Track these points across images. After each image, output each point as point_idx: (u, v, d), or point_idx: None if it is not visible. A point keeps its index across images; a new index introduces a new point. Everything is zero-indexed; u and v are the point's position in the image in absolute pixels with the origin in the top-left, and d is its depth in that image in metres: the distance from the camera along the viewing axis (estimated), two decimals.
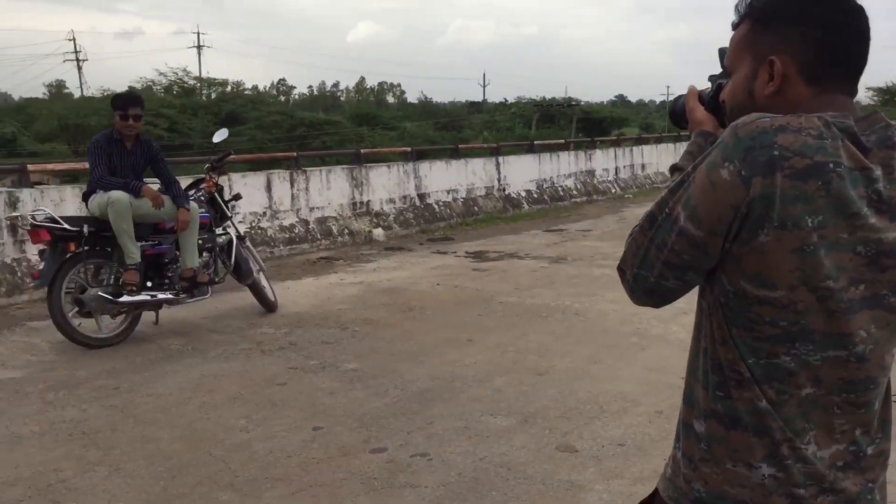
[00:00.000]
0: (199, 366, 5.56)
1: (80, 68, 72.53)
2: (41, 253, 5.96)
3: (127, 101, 6.10)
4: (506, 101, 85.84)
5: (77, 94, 76.79)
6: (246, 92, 71.38)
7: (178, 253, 6.38)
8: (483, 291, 7.82)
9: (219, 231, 6.83)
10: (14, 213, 5.75)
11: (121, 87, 73.13)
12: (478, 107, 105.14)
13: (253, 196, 9.57)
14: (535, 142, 14.95)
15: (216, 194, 6.85)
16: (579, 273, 8.66)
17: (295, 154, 10.31)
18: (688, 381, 1.46)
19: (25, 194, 7.61)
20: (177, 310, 6.70)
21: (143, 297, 6.08)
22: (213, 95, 66.06)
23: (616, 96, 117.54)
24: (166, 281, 6.33)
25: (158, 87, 66.74)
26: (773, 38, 1.36)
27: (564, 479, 3.75)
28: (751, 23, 1.40)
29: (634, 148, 17.51)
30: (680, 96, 1.68)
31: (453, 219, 12.41)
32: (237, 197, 7.20)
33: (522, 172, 14.10)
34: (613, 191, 16.60)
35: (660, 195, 1.41)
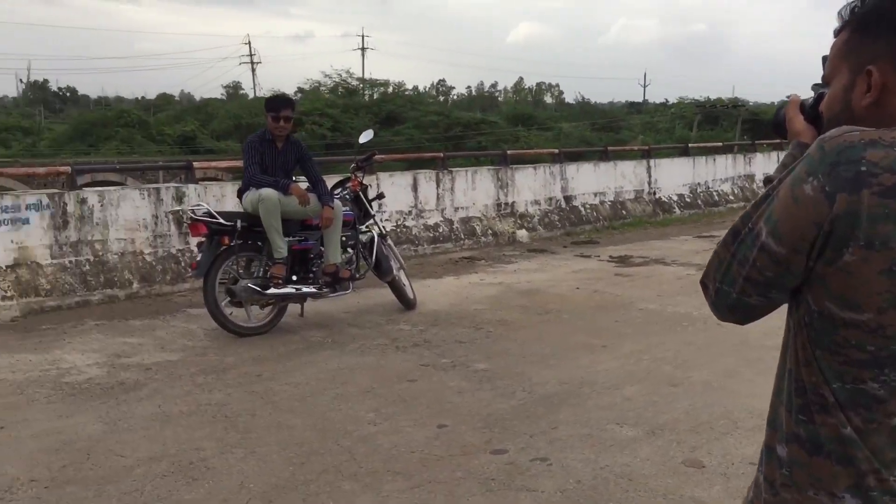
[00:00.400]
0: (337, 358, 5.77)
1: (253, 70, 76.81)
2: (199, 245, 6.37)
3: (279, 104, 6.42)
4: (667, 101, 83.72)
5: (251, 95, 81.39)
6: (406, 92, 73.33)
7: (322, 249, 6.65)
8: (623, 297, 7.68)
9: (362, 228, 7.06)
10: (177, 208, 6.20)
11: (290, 89, 76.30)
12: (637, 107, 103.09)
13: (399, 195, 9.82)
14: (690, 144, 14.49)
15: (360, 193, 7.08)
16: None
17: (442, 154, 10.48)
18: (773, 402, 1.40)
19: (191, 190, 8.15)
20: (321, 303, 6.97)
21: (289, 289, 6.38)
22: (375, 96, 68.19)
23: (788, 97, 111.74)
24: (311, 275, 6.60)
25: (324, 88, 69.66)
26: (871, 47, 1.29)
27: (688, 495, 3.64)
28: (850, 31, 1.33)
29: None
30: (783, 104, 1.61)
31: (599, 222, 12.24)
32: (380, 196, 7.41)
33: (675, 176, 13.72)
34: None
35: (745, 209, 1.36)
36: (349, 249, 6.85)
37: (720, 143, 15.21)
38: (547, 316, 6.98)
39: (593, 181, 12.34)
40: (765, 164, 15.75)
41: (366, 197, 7.14)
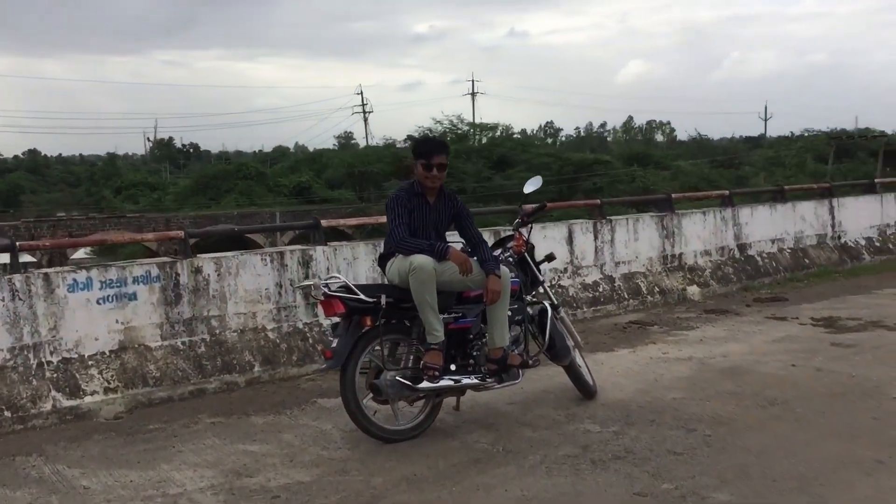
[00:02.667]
0: (517, 479, 4.35)
1: (366, 120, 77.68)
2: (333, 327, 5.11)
3: (431, 148, 5.14)
4: (792, 134, 79.77)
5: (362, 144, 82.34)
6: (514, 135, 72.33)
7: (483, 327, 5.29)
8: (860, 378, 5.98)
9: (529, 298, 5.68)
10: (307, 282, 4.99)
11: (400, 136, 77.05)
12: (755, 142, 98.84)
13: (553, 249, 8.37)
14: (877, 180, 12.54)
15: (527, 255, 5.71)
16: None
17: (599, 201, 9.02)
18: None
19: (318, 252, 6.97)
20: (481, 392, 5.59)
21: (446, 382, 5.03)
22: (484, 140, 67.48)
23: None
24: (471, 362, 5.24)
25: (433, 134, 69.53)
26: None
27: None
28: None
29: None
30: None
31: (779, 273, 10.47)
32: (550, 258, 6.01)
33: (860, 217, 11.80)
34: None
35: None
36: (515, 326, 5.45)
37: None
38: (773, 409, 5.37)
39: (769, 226, 10.61)
40: None
41: (533, 259, 5.75)
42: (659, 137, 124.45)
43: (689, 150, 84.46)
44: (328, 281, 5.05)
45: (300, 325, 6.84)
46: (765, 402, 5.51)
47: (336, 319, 5.07)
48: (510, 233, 5.83)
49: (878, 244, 11.99)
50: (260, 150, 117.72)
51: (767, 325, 8.08)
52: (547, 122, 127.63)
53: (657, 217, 9.43)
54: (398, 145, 72.46)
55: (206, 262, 6.45)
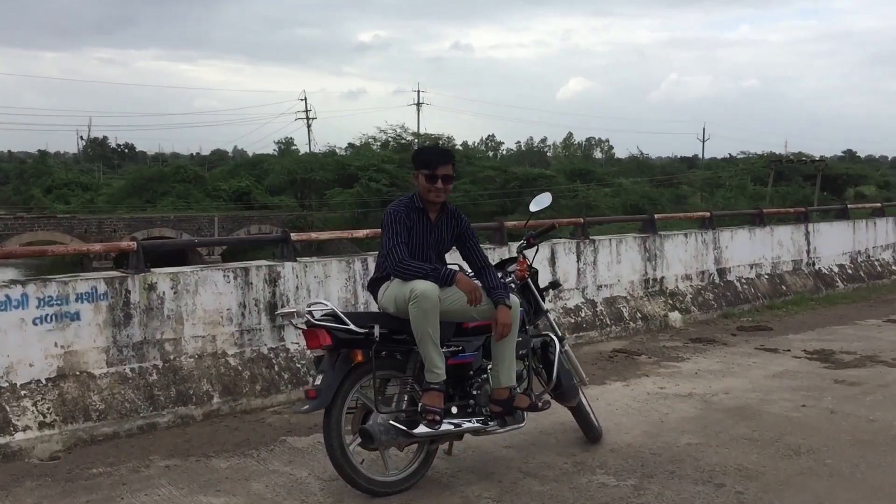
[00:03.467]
0: None
1: (309, 126, 76.39)
2: (317, 361, 4.41)
3: (435, 157, 4.48)
4: (730, 156, 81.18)
5: (303, 151, 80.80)
6: (456, 147, 71.80)
7: (484, 362, 4.66)
8: (883, 424, 5.51)
9: (531, 329, 5.05)
10: (288, 309, 4.28)
11: (342, 143, 75.96)
12: (690, 162, 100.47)
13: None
14: (849, 205, 12.32)
15: (530, 281, 5.09)
16: None
17: (582, 220, 8.47)
18: None
19: (287, 269, 6.24)
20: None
21: (446, 426, 4.37)
22: None
23: (844, 151, 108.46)
24: (470, 402, 4.59)
25: (374, 143, 68.62)
26: None
27: None
28: None
29: None
30: None
31: (758, 300, 10.08)
32: (555, 285, 5.42)
33: (834, 244, 11.53)
34: None
35: None
36: (518, 361, 4.81)
37: (879, 204, 12.97)
38: (801, 461, 4.84)
39: (748, 251, 10.22)
40: None
41: (536, 286, 5.14)
42: (598, 154, 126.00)
43: (628, 167, 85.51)
44: (312, 308, 4.35)
45: (265, 351, 6.10)
46: (789, 452, 4.98)
47: (320, 352, 4.37)
48: (513, 255, 5.21)
49: (850, 272, 11.73)
50: (197, 153, 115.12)
51: (760, 357, 7.61)
52: (489, 136, 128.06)
53: (640, 238, 8.93)
54: (340, 153, 71.43)
55: (161, 277, 5.67)
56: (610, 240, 8.57)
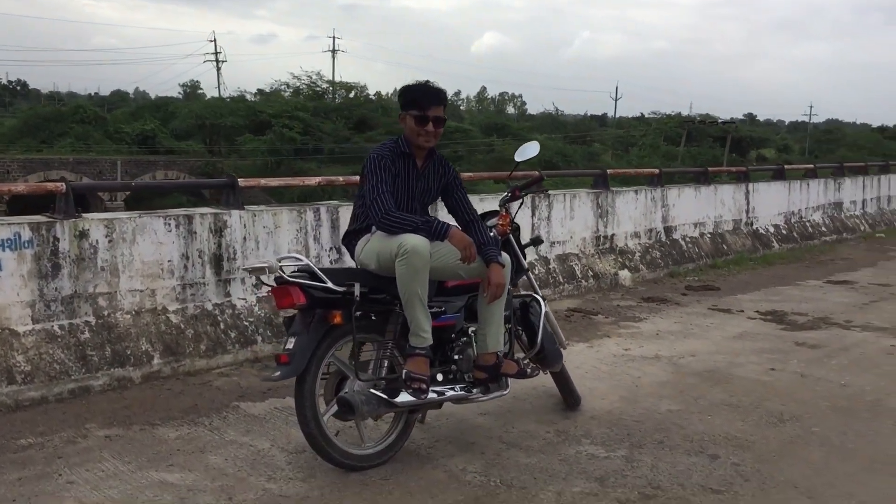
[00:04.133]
0: None
1: (218, 70, 73.52)
2: (287, 322, 3.93)
3: (426, 96, 4.00)
4: (642, 115, 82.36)
5: (211, 95, 77.78)
6: (370, 97, 70.34)
7: (465, 325, 4.27)
8: (855, 390, 5.40)
9: (511, 290, 4.68)
10: (259, 264, 3.75)
11: (253, 88, 73.40)
12: (601, 120, 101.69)
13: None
14: (785, 166, 12.36)
15: (512, 237, 4.71)
16: None
17: (538, 173, 8.08)
18: None
19: (234, 218, 5.68)
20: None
21: (430, 395, 3.98)
22: (338, 100, 65.45)
23: (745, 114, 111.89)
24: (452, 367, 4.21)
25: (285, 90, 66.49)
26: None
27: None
28: None
29: (882, 177, 14.62)
30: None
31: (702, 259, 10.00)
32: (538, 241, 5.05)
33: (772, 204, 11.56)
34: (862, 228, 13.78)
35: None
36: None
37: (811, 166, 13.09)
38: (788, 428, 4.66)
39: (693, 209, 10.10)
40: (852, 191, 13.71)
41: (518, 242, 4.77)
42: (510, 110, 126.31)
43: (542, 123, 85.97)
44: (283, 262, 3.85)
45: (209, 307, 5.57)
46: (773, 419, 4.80)
47: (290, 312, 3.90)
48: (494, 209, 4.81)
49: (784, 232, 11.80)
50: (96, 93, 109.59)
51: (716, 318, 7.48)
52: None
53: (593, 194, 8.65)
54: (250, 98, 69.04)
55: (94, 224, 5.04)
56: (564, 195, 8.27)
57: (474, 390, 4.21)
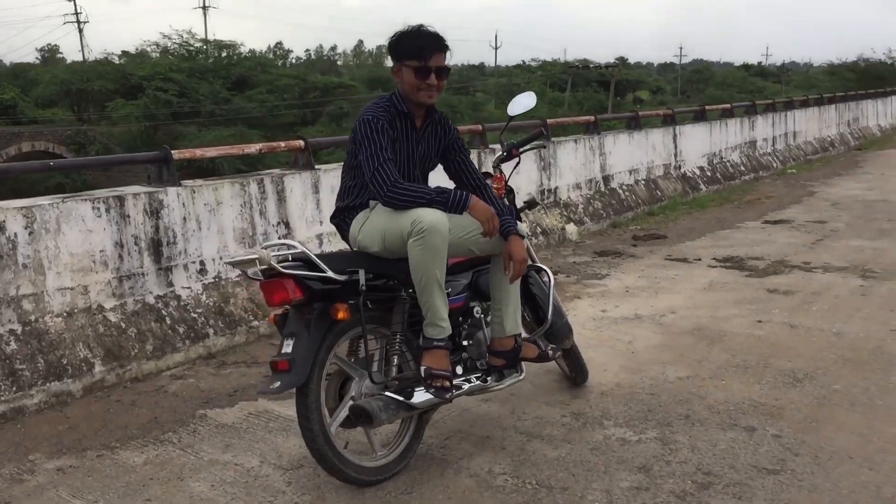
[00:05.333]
0: None
1: (81, 31, 69.01)
2: (279, 320, 3.31)
3: (429, 44, 3.40)
4: (523, 62, 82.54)
5: (72, 59, 72.92)
6: (244, 55, 67.53)
7: (473, 306, 3.77)
8: (851, 338, 5.20)
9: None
10: (247, 255, 3.06)
11: (117, 50, 69.34)
12: (480, 70, 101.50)
13: (435, 181, 6.89)
14: (707, 106, 12.24)
15: (507, 200, 4.20)
16: None
17: (480, 127, 7.58)
18: None
19: (171, 196, 4.94)
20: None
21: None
22: (211, 60, 62.55)
23: (617, 58, 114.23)
24: (463, 355, 3.70)
25: (153, 50, 63.01)
26: None
27: None
28: None
29: (788, 114, 14.78)
30: None
31: (639, 207, 9.77)
32: (533, 204, 4.55)
33: (696, 146, 11.43)
34: (775, 165, 13.91)
35: None
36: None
37: (729, 105, 13.05)
38: (808, 389, 4.38)
39: (627, 156, 9.82)
40: (763, 129, 13.80)
41: (515, 207, 4.27)
42: (389, 63, 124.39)
43: None
44: (275, 251, 3.21)
45: (151, 300, 4.84)
46: (788, 379, 4.52)
47: (283, 309, 3.28)
48: (487, 171, 4.27)
49: (709, 174, 11.73)
50: None
51: (677, 269, 7.22)
52: (276, 43, 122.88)
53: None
54: (117, 61, 65.06)
55: (9, 214, 4.23)
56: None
57: (489, 378, 3.72)
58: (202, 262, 5.10)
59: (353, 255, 3.43)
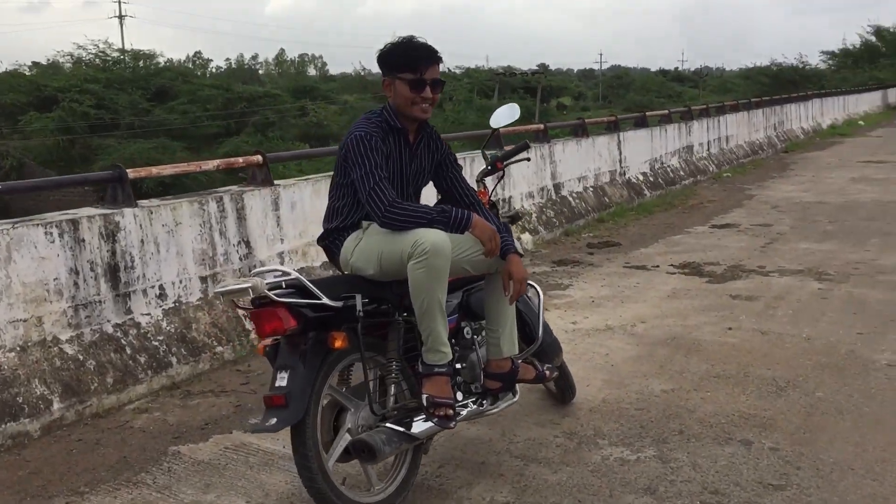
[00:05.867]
0: None
1: None
2: (270, 351, 3.09)
3: (423, 56, 3.23)
4: (449, 70, 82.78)
5: None
6: (161, 65, 65.84)
7: (462, 326, 3.62)
8: (822, 343, 5.24)
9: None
10: (237, 285, 2.81)
11: (28, 62, 66.99)
12: None
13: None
14: (647, 113, 12.35)
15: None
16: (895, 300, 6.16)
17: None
18: None
19: (128, 218, 4.65)
20: None
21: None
22: (129, 70, 60.88)
23: (539, 65, 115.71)
24: (458, 379, 3.54)
25: (65, 62, 60.99)
26: None
27: None
28: None
29: (721, 118, 15.07)
30: None
31: (589, 214, 9.76)
32: (516, 218, 4.42)
33: (639, 152, 11.52)
34: (711, 169, 14.14)
35: None
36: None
37: (667, 111, 13.20)
38: (793, 398, 4.37)
39: (576, 163, 9.81)
40: (699, 133, 14.03)
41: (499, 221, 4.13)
42: (312, 71, 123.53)
43: (351, 84, 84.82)
44: (269, 277, 3.00)
45: (109, 329, 4.54)
46: (772, 388, 4.50)
47: (272, 340, 3.07)
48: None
49: (651, 179, 11.83)
50: None
51: (637, 276, 7.21)
52: (195, 53, 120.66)
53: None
54: (28, 73, 62.63)
55: None
56: (464, 158, 7.66)
57: (484, 402, 3.57)
58: (162, 287, 4.82)
59: (347, 280, 3.24)
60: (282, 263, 5.60)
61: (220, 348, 4.99)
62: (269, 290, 2.90)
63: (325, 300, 2.99)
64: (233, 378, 4.85)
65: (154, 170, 4.96)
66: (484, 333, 3.56)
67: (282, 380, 2.97)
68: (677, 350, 5.19)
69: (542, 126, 9.45)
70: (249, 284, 2.86)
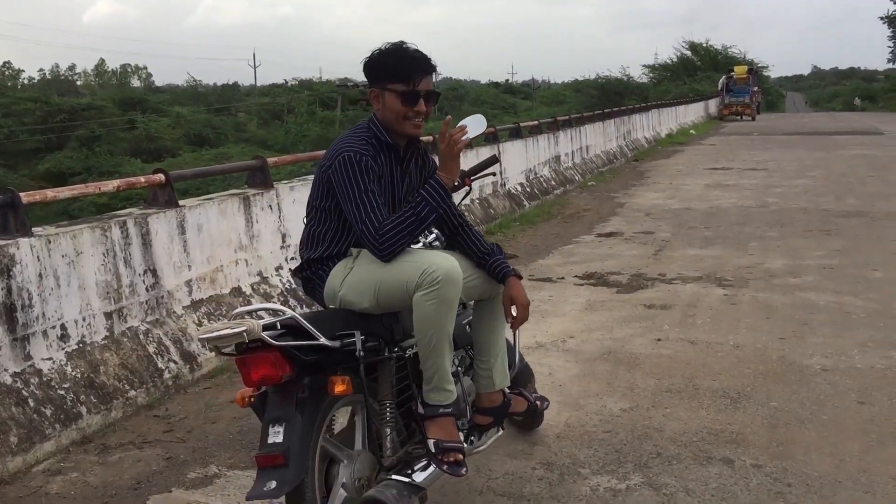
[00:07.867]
0: None
1: None
2: (259, 405, 2.67)
3: (417, 66, 2.90)
4: (286, 81, 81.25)
5: None
6: None
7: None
8: (750, 349, 5.31)
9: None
10: (223, 331, 2.32)
11: None
12: (235, 89, 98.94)
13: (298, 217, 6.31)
14: (521, 123, 12.36)
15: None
16: (799, 303, 6.36)
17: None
18: None
19: (23, 250, 4.01)
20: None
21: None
22: None
23: None
24: None
25: None
26: None
27: None
28: None
29: (581, 129, 15.41)
30: None
31: (478, 226, 9.61)
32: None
33: (516, 163, 11.52)
34: (577, 178, 14.40)
35: None
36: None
37: (537, 122, 13.30)
38: (750, 410, 4.35)
39: None
40: (564, 143, 14.28)
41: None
42: (136, 82, 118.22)
43: (180, 95, 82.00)
44: (261, 317, 2.58)
45: (8, 380, 3.89)
46: (726, 401, 4.47)
47: (256, 390, 2.65)
48: None
49: (528, 190, 11.88)
50: None
51: (547, 289, 7.13)
52: (4, 62, 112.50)
53: None
54: None
55: None
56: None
57: (472, 438, 3.28)
58: (63, 326, 4.20)
59: (340, 316, 2.85)
60: (190, 293, 5.07)
61: (132, 392, 4.41)
62: (264, 331, 2.49)
63: (324, 340, 2.61)
64: (152, 426, 4.30)
65: (49, 193, 4.32)
66: (472, 364, 3.28)
67: (276, 434, 2.57)
68: (617, 365, 5.09)
69: (430, 138, 9.20)
70: (244, 328, 2.44)
